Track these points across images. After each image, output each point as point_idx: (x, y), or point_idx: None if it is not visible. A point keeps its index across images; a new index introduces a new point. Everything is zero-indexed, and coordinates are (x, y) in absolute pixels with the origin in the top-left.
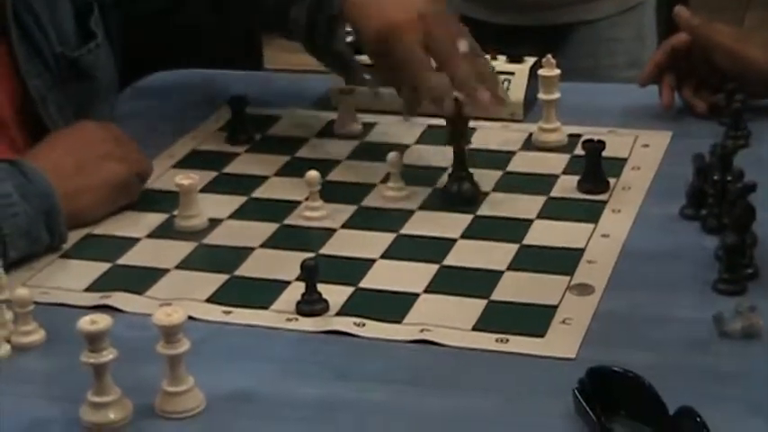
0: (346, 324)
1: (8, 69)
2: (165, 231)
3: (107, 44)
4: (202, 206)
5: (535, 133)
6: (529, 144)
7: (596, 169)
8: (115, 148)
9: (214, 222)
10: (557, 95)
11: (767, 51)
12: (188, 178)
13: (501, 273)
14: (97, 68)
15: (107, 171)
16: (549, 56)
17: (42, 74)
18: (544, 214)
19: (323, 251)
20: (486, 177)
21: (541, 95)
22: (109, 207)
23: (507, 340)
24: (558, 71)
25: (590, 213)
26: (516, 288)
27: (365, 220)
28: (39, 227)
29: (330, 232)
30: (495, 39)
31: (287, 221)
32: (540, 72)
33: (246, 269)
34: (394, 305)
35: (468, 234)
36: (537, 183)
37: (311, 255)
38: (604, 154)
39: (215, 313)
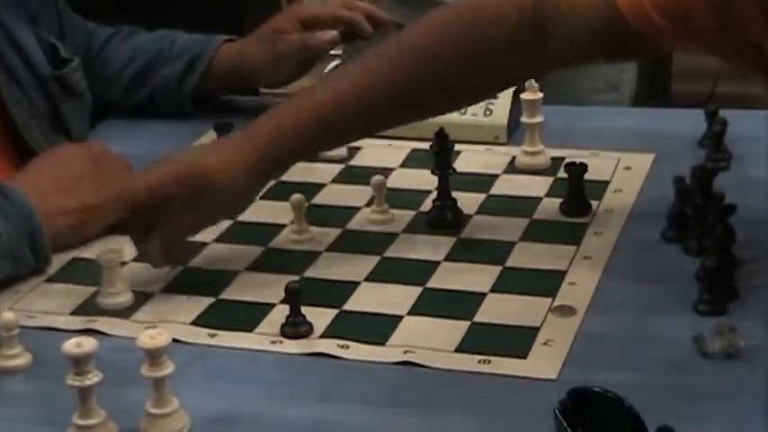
0: (330, 346)
1: None
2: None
3: (82, 69)
4: (128, 280)
5: (518, 156)
6: (512, 167)
7: (579, 192)
8: (94, 168)
9: (199, 246)
10: (540, 119)
11: None
12: (110, 252)
13: (484, 295)
14: (83, 86)
15: (85, 191)
16: (532, 80)
17: (22, 102)
18: (527, 237)
19: (307, 274)
20: (469, 200)
21: (524, 119)
22: (90, 228)
23: (490, 362)
24: (540, 95)
25: (572, 236)
26: (499, 310)
27: (349, 243)
28: (22, 248)
29: (314, 255)
30: None
31: (272, 245)
32: (523, 96)
33: (231, 292)
34: (378, 327)
35: (451, 257)
36: (520, 205)
37: (296, 278)
38: (586, 177)
39: (200, 336)
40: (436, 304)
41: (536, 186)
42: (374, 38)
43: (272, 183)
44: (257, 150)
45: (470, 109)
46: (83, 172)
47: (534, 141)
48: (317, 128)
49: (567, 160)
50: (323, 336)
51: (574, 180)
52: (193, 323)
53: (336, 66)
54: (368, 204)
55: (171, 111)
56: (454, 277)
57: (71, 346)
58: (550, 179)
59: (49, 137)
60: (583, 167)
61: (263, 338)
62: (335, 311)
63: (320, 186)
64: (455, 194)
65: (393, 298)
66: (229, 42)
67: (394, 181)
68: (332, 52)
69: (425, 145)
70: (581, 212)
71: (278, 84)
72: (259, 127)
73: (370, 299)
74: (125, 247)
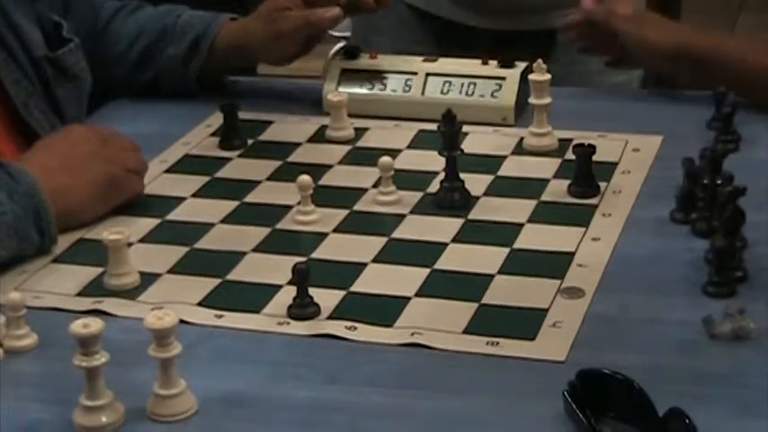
0: (338, 328)
1: None
2: (157, 236)
3: (81, 50)
4: (134, 261)
5: (526, 138)
6: (520, 148)
7: (587, 173)
8: (101, 147)
9: (206, 226)
10: (548, 100)
11: (659, 31)
12: (116, 233)
13: (492, 276)
14: (80, 68)
15: (94, 169)
16: (540, 61)
17: (21, 80)
18: (535, 218)
19: (314, 255)
20: (477, 182)
21: (532, 100)
22: (99, 206)
23: (498, 343)
24: (548, 76)
25: (580, 217)
26: (507, 292)
27: (357, 224)
28: (27, 225)
29: (322, 236)
30: (484, 44)
31: (279, 226)
32: (531, 77)
33: (238, 273)
34: (385, 309)
35: (459, 238)
36: (528, 187)
37: (303, 259)
38: (595, 158)
39: (207, 317)
40: (444, 286)
41: (544, 168)
42: (376, 10)
43: (278, 164)
44: None
45: (478, 90)
46: (90, 151)
47: (542, 123)
48: None
49: (575, 142)
50: (330, 317)
51: (582, 161)
52: (200, 304)
53: (342, 47)
54: (375, 185)
55: (175, 92)
56: (462, 259)
57: (78, 326)
58: (558, 160)
59: (49, 117)
60: (591, 149)
61: (270, 320)
62: (343, 293)
63: (327, 167)
64: (463, 176)
65: (400, 279)
66: (232, 20)
67: (401, 162)
68: (337, 34)
69: (433, 126)
70: (589, 194)
71: (280, 61)
72: None
73: (378, 280)
74: (131, 228)
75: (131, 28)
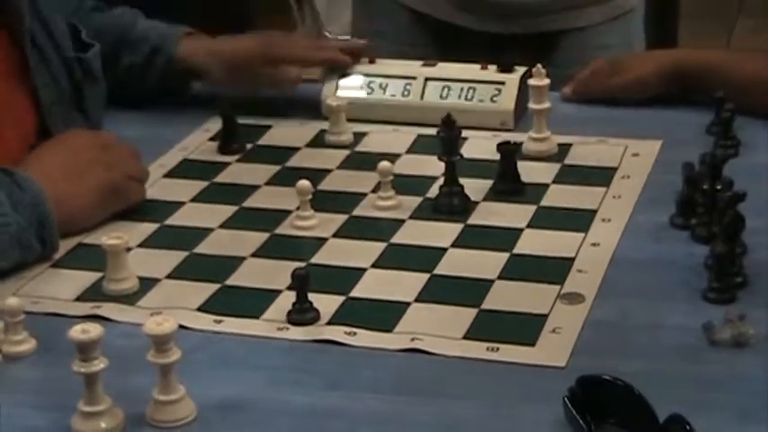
0: (337, 333)
1: (21, 78)
2: (156, 241)
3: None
4: (133, 266)
5: (526, 143)
6: (519, 153)
7: (511, 172)
8: (102, 154)
9: (205, 231)
10: (547, 105)
11: (645, 65)
12: (115, 238)
13: (491, 282)
14: (100, 72)
15: (96, 176)
16: (540, 66)
17: (49, 84)
18: (534, 223)
19: (314, 260)
20: (476, 187)
21: (532, 105)
22: (100, 212)
23: (497, 349)
24: (547, 81)
25: (580, 222)
26: (507, 297)
27: (356, 229)
28: (30, 235)
29: (321, 242)
30: (483, 47)
31: (278, 231)
32: (531, 81)
33: (237, 278)
34: (385, 314)
35: (458, 243)
36: (527, 192)
37: (302, 264)
38: (595, 163)
39: (206, 322)
40: (443, 291)
41: (543, 173)
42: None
43: (277, 168)
44: None
45: (477, 95)
46: (91, 158)
47: (541, 128)
48: None
49: (499, 140)
50: (330, 322)
51: (506, 160)
52: (199, 309)
53: None
54: (374, 190)
55: (138, 98)
56: (461, 264)
57: (77, 332)
58: (558, 165)
59: (67, 121)
60: (515, 147)
61: (269, 325)
62: (342, 298)
63: (326, 172)
64: (462, 180)
65: (400, 285)
66: (190, 35)
67: (400, 167)
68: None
69: (432, 131)
70: (513, 192)
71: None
72: None
73: (377, 285)
74: (130, 233)
75: (88, 33)
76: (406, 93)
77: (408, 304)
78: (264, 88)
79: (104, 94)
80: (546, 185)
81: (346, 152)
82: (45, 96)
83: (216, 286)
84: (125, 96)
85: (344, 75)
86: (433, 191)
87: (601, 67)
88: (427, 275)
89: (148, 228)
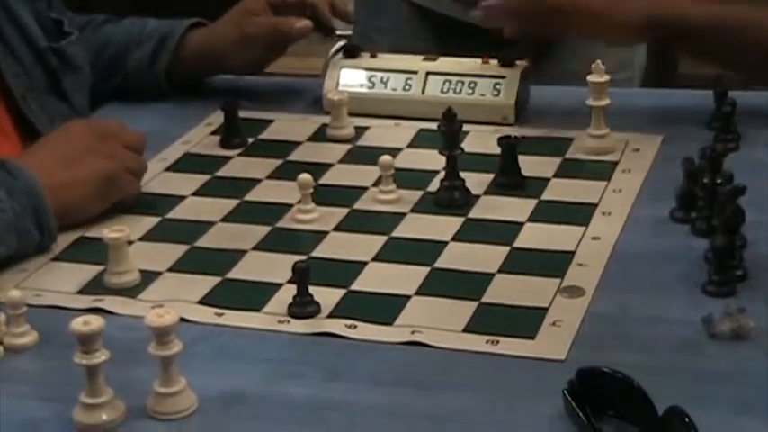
0: (338, 326)
1: None
2: (157, 234)
3: (82, 43)
4: (135, 259)
5: (584, 140)
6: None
7: (511, 165)
8: (99, 144)
9: (207, 225)
10: (606, 101)
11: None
12: (117, 231)
13: (492, 275)
14: (83, 60)
15: (92, 165)
16: (599, 61)
17: (20, 74)
18: (535, 217)
19: (315, 254)
20: (477, 180)
21: (590, 102)
22: (98, 203)
23: (498, 342)
24: (607, 77)
25: (580, 216)
26: (507, 290)
27: (357, 222)
28: (27, 223)
29: (322, 235)
30: (484, 42)
31: (279, 224)
32: (590, 78)
33: (239, 271)
34: (385, 307)
35: (459, 237)
36: (528, 186)
37: (303, 257)
38: (596, 157)
39: (207, 315)
40: (444, 284)
41: (544, 167)
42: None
43: (279, 162)
44: None
45: (478, 89)
46: (88, 147)
47: (600, 124)
48: None
49: (500, 134)
50: (330, 315)
51: (506, 154)
52: (200, 302)
53: (343, 46)
54: (375, 184)
55: (147, 93)
56: (462, 257)
57: (78, 323)
58: (558, 159)
59: (47, 110)
60: (516, 140)
61: (270, 318)
62: (343, 291)
63: (327, 166)
64: (463, 174)
65: (400, 278)
66: (199, 25)
67: (401, 161)
68: (338, 32)
69: (433, 125)
70: (514, 186)
71: (248, 67)
72: None
73: (378, 279)
74: (132, 226)
75: (98, 38)
76: (407, 87)
77: (409, 297)
78: (272, 37)
79: (87, 82)
80: (547, 179)
81: (347, 146)
82: (16, 86)
83: (217, 279)
84: (138, 93)
85: (330, 35)
86: (434, 185)
87: None
88: (428, 269)
89: (150, 221)
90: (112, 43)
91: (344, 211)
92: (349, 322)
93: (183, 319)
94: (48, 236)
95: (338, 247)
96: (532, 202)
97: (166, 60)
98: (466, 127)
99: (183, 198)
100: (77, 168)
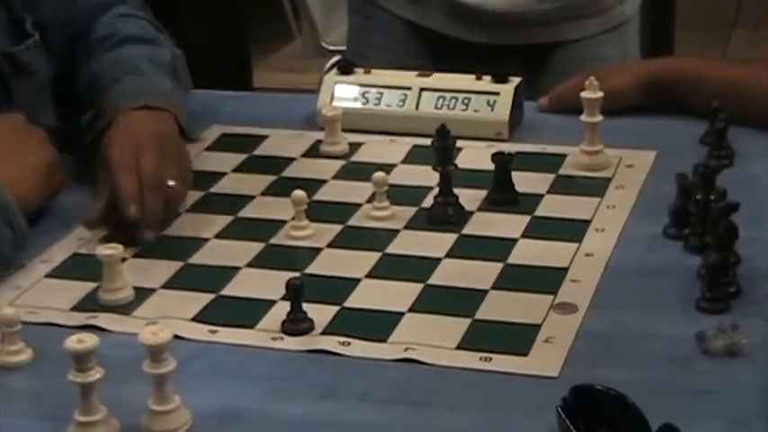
0: (331, 343)
1: None
2: (151, 251)
3: (42, 45)
4: (129, 276)
5: (577, 156)
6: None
7: (505, 181)
8: (26, 136)
9: (201, 241)
10: (599, 118)
11: (622, 77)
12: (111, 248)
13: (485, 292)
14: (37, 65)
15: (31, 157)
16: (593, 78)
17: None
18: (528, 233)
19: (308, 270)
20: (471, 197)
21: (584, 118)
22: (43, 193)
23: (491, 359)
24: (600, 93)
25: (574, 232)
26: (500, 307)
27: (351, 239)
28: None
29: (316, 252)
30: (478, 58)
31: (273, 241)
32: (583, 94)
33: (232, 288)
34: (379, 324)
35: (452, 253)
36: (521, 202)
37: (297, 274)
38: (590, 174)
39: (201, 332)
40: (437, 301)
41: (537, 183)
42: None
43: (272, 179)
44: None
45: (472, 105)
46: (19, 140)
47: (594, 141)
48: None
49: (494, 150)
50: (324, 332)
51: (500, 170)
52: (194, 319)
53: (336, 61)
54: (369, 200)
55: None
56: (455, 274)
57: (73, 342)
58: (552, 176)
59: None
60: (510, 157)
61: (264, 335)
62: (336, 308)
63: (321, 182)
64: (456, 191)
65: (394, 295)
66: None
67: (395, 177)
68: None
69: (427, 141)
70: (507, 202)
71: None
72: None
73: (372, 295)
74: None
75: (97, 66)
76: (401, 103)
77: (402, 314)
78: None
79: (40, 87)
80: (540, 196)
81: (341, 162)
82: None
83: (211, 296)
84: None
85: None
86: (428, 201)
87: (578, 79)
88: (421, 285)
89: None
90: (98, 81)
91: (338, 227)
92: (343, 339)
93: (176, 337)
94: (20, 233)
95: (332, 263)
96: (526, 219)
97: (92, 136)
98: (460, 143)
99: (177, 214)
100: (18, 163)
